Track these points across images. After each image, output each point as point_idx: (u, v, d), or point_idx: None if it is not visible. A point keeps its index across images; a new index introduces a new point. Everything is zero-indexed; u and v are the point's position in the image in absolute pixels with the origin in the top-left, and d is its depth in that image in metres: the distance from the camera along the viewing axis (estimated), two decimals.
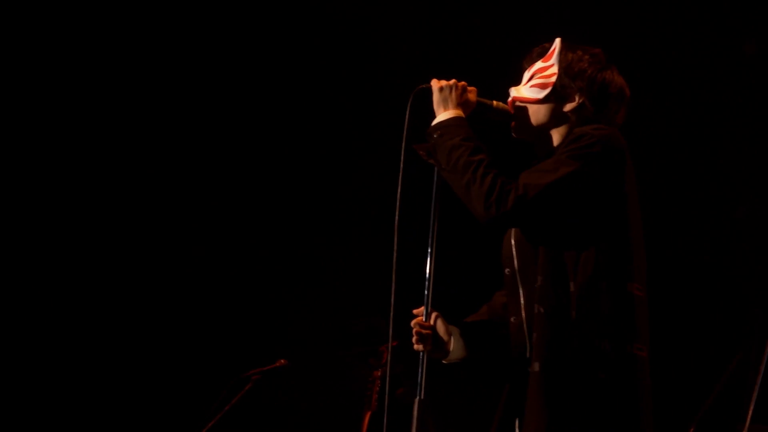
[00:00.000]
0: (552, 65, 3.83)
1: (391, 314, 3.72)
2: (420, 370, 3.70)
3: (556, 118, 3.82)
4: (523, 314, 3.68)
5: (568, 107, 3.80)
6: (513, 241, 3.78)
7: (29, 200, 7.58)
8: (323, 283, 7.63)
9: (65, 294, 7.59)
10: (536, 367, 3.55)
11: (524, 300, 3.69)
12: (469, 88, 3.82)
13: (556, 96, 3.81)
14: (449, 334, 3.81)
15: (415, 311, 3.81)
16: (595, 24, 6.64)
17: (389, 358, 3.87)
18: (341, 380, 7.09)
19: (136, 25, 7.55)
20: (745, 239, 7.20)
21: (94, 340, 7.59)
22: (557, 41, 3.88)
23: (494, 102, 3.88)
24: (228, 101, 7.73)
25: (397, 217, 3.76)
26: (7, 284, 7.50)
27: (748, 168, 7.23)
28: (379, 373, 6.36)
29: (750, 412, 5.13)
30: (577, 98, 3.79)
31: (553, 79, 3.80)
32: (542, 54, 3.90)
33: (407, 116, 3.80)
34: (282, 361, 6.38)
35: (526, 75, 3.92)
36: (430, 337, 3.75)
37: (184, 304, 7.68)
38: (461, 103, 3.77)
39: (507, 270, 3.79)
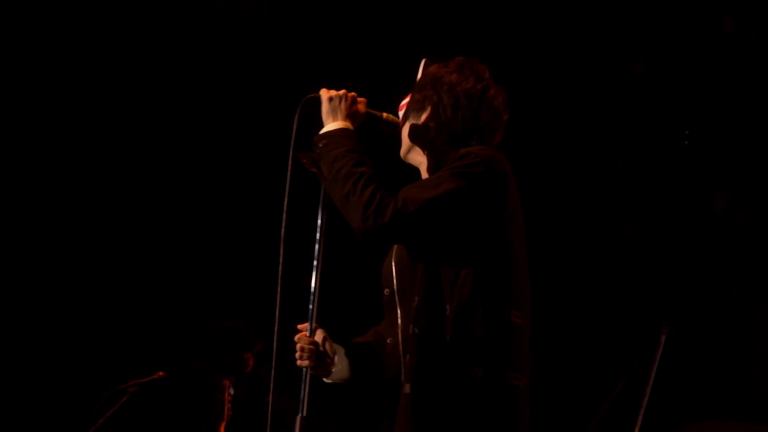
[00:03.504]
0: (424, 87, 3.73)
1: (276, 330, 3.61)
2: (303, 386, 3.60)
3: (434, 140, 3.70)
4: (400, 335, 3.59)
5: (453, 127, 3.67)
6: (393, 261, 3.69)
7: None
8: (212, 294, 7.51)
9: None
10: (407, 388, 3.47)
11: (401, 321, 3.60)
12: (359, 99, 3.74)
13: (437, 116, 3.70)
14: (334, 353, 3.72)
15: (299, 326, 3.70)
16: (488, 41, 6.63)
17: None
18: (199, 392, 6.95)
19: None
20: (633, 260, 7.24)
21: None
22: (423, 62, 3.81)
23: (384, 114, 3.80)
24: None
25: (283, 229, 3.65)
26: None
27: (636, 188, 7.27)
28: (228, 382, 6.22)
29: None
30: (460, 117, 3.67)
31: (434, 98, 3.69)
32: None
33: (295, 125, 3.71)
34: (160, 373, 6.25)
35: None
36: (314, 354, 3.65)
37: (60, 313, 7.48)
38: (350, 114, 3.68)
39: (386, 290, 3.70)
